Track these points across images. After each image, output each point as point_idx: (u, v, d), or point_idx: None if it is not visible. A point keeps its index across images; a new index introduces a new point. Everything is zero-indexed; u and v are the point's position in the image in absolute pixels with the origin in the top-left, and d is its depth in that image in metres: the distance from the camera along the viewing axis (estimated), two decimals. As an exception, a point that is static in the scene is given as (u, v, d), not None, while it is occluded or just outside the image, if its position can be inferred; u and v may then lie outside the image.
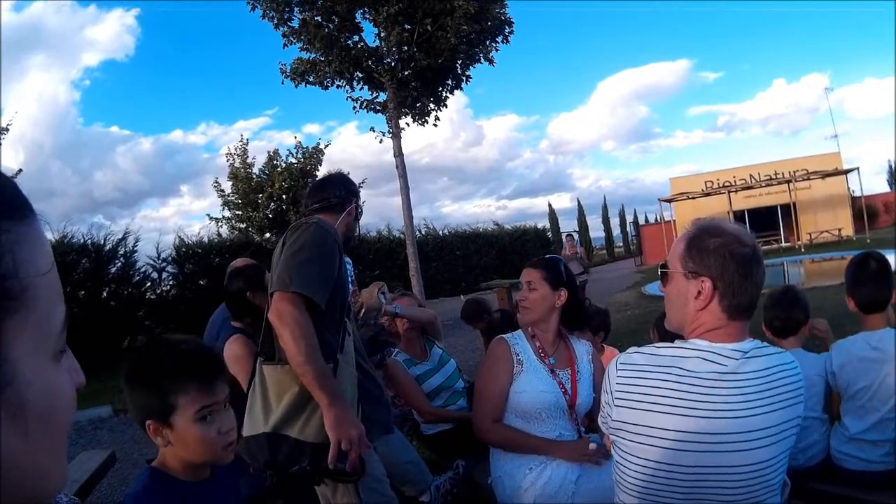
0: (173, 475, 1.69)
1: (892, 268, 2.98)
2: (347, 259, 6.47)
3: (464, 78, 16.80)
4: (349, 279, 6.27)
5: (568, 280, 3.13)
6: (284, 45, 15.90)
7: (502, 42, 16.43)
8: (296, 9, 15.57)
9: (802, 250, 29.47)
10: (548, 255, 3.36)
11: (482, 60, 16.38)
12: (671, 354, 1.78)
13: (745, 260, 1.74)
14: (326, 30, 15.61)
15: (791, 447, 1.82)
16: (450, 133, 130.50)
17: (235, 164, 24.16)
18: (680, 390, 1.71)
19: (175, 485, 1.69)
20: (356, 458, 2.32)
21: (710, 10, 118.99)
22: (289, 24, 15.73)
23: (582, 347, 3.20)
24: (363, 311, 3.84)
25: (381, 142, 16.20)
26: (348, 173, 3.25)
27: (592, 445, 2.83)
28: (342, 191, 2.95)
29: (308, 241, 2.52)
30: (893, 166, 54.74)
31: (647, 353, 1.83)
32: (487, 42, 16.23)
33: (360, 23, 16.13)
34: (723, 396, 1.70)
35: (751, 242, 1.79)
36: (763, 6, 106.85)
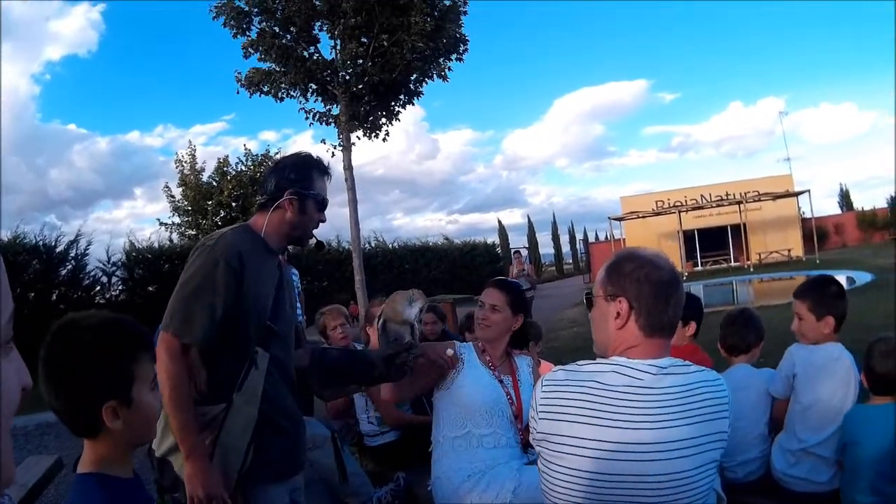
0: (115, 476, 1.60)
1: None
2: (293, 270, 6.25)
3: (417, 94, 17.31)
4: (295, 290, 6.01)
5: (525, 308, 3.44)
6: (245, 55, 16.26)
7: (456, 60, 17.00)
8: (255, 18, 15.91)
9: (751, 270, 30.48)
10: (509, 280, 3.65)
11: (435, 77, 16.92)
12: (589, 370, 1.89)
13: (659, 282, 1.89)
14: (283, 40, 16.02)
15: (716, 461, 1.88)
16: (405, 145, 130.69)
17: (185, 171, 24.52)
18: (596, 402, 1.81)
19: (122, 485, 1.61)
20: None
21: (670, 32, 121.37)
22: (247, 34, 16.06)
23: (523, 360, 3.42)
24: (382, 321, 3.21)
25: (332, 155, 16.55)
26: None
27: (450, 352, 3.09)
28: (271, 184, 2.62)
29: (196, 271, 2.38)
30: (845, 189, 57.01)
31: (568, 370, 1.94)
32: (441, 59, 16.77)
33: (317, 34, 16.55)
34: (638, 408, 1.78)
35: (666, 266, 1.95)
36: (724, 29, 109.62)
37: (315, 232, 2.75)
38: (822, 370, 3.08)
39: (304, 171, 2.63)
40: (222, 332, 2.36)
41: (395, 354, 2.89)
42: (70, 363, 1.52)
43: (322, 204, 2.67)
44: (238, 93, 16.84)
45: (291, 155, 2.79)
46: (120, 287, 18.64)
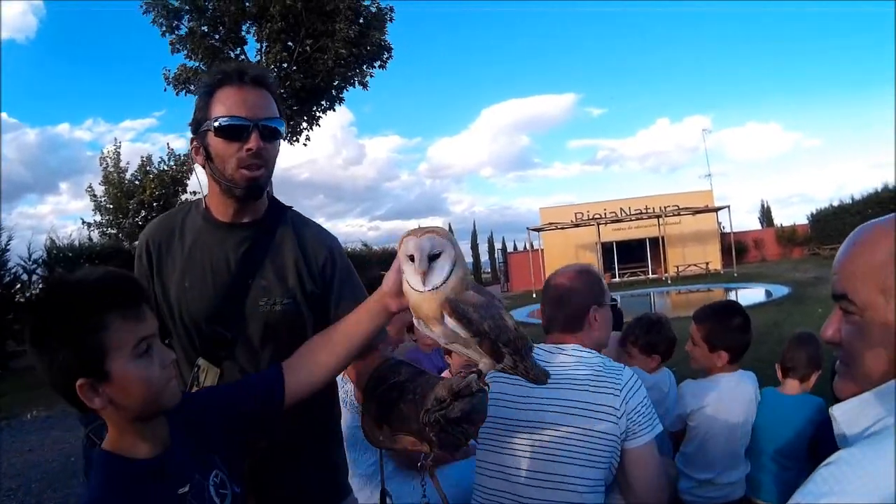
0: (129, 456, 1.38)
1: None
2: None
3: (338, 100, 18.37)
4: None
5: None
6: (172, 51, 17.08)
7: (379, 67, 18.10)
8: (185, 17, 16.75)
9: (669, 282, 32.07)
10: None
11: (356, 84, 18.04)
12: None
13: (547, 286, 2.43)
14: (211, 40, 16.92)
15: (606, 431, 2.12)
16: (332, 150, 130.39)
17: (109, 168, 24.58)
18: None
19: (133, 468, 1.38)
20: None
21: (602, 48, 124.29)
22: (176, 32, 16.93)
23: None
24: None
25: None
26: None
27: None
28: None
29: None
30: (766, 205, 59.91)
31: None
32: (364, 66, 17.82)
33: (244, 36, 17.47)
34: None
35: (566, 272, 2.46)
36: (656, 47, 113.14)
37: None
38: (719, 405, 2.99)
39: (202, 101, 1.84)
40: (163, 333, 1.83)
41: (459, 391, 1.47)
42: (36, 334, 1.33)
43: (228, 129, 1.77)
44: (165, 90, 17.68)
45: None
46: (41, 285, 17.33)
